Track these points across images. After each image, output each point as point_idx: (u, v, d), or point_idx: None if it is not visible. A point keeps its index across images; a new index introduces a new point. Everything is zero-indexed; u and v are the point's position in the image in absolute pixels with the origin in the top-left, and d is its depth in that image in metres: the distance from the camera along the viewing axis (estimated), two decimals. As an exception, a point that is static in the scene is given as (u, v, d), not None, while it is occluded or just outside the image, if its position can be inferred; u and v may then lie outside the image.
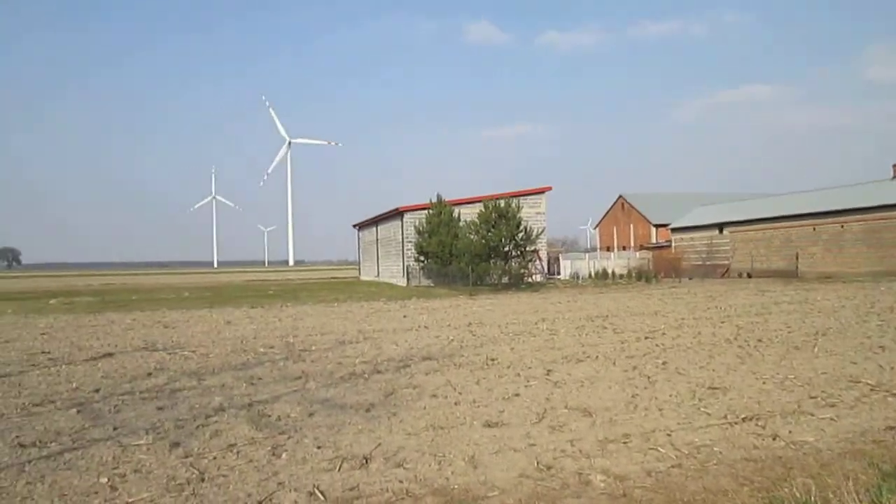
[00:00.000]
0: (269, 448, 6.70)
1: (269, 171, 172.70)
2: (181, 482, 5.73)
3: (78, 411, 8.52)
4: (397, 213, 42.54)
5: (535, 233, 36.61)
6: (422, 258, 39.66)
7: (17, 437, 7.37)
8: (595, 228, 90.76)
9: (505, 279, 36.08)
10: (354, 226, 57.19)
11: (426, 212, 40.02)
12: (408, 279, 40.84)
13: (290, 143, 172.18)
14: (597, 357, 11.93)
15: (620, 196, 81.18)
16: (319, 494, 5.35)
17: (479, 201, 41.29)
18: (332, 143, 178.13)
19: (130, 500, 5.33)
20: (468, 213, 40.16)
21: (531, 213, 41.88)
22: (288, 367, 11.64)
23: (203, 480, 5.76)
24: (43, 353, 14.24)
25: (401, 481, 5.63)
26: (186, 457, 6.46)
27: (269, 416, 8.05)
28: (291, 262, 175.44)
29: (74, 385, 10.34)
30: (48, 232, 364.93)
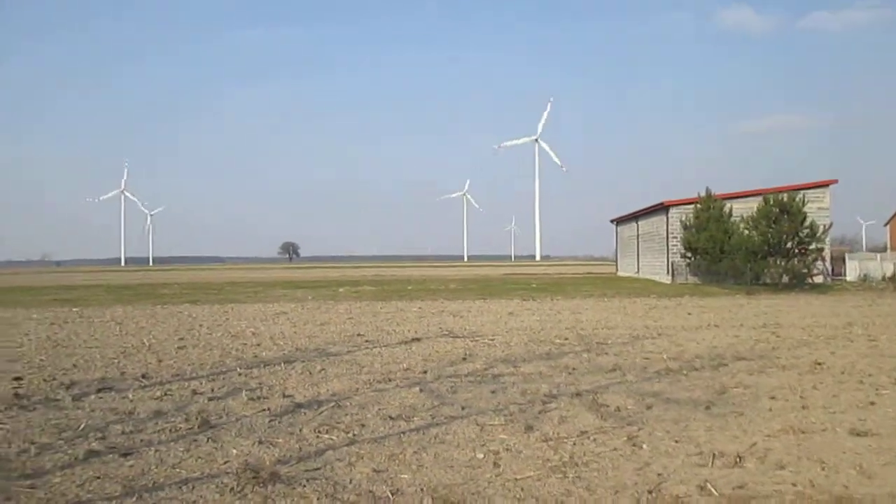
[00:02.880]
0: (625, 438, 6.65)
1: (504, 144, 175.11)
2: (556, 464, 5.86)
3: (420, 390, 9.14)
4: (662, 208, 41.13)
5: (820, 229, 33.47)
6: (688, 254, 38.00)
7: (379, 409, 8.06)
8: (885, 225, 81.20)
9: (785, 279, 33.38)
10: (612, 220, 56.36)
11: (693, 206, 38.26)
12: (672, 276, 39.33)
13: (536, 140, 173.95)
14: (951, 367, 10.52)
15: (917, 189, 71.84)
16: (712, 489, 5.17)
17: (750, 195, 38.70)
18: (563, 169, 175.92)
19: (519, 477, 5.54)
20: (739, 209, 37.76)
21: (812, 209, 38.27)
22: (595, 359, 11.62)
23: (577, 464, 5.85)
24: (358, 335, 15.58)
25: (793, 484, 5.29)
26: (546, 440, 6.63)
27: (607, 406, 8.03)
28: (538, 257, 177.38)
29: (404, 366, 11.16)
30: (320, 228, 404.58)
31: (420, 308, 23.39)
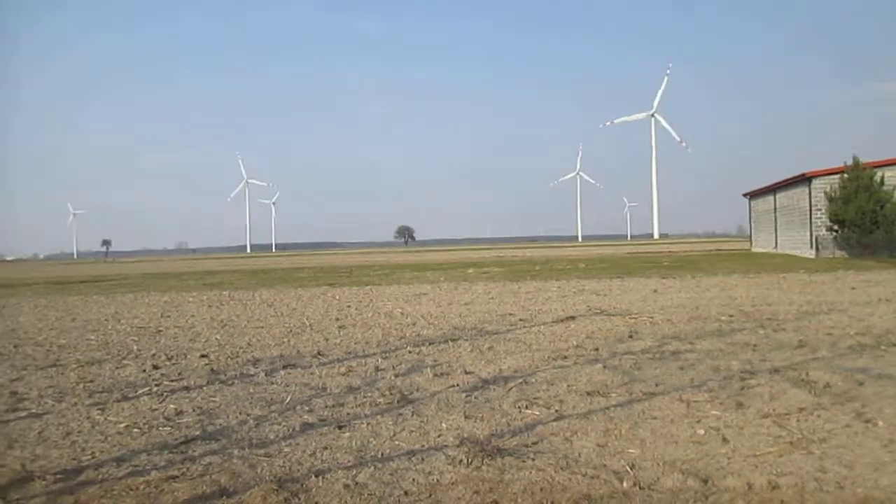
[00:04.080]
0: (852, 414, 6.28)
1: (615, 121, 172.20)
2: (791, 441, 5.59)
3: (603, 367, 8.98)
4: (803, 179, 38.86)
5: None
6: (835, 227, 35.84)
7: (569, 385, 7.97)
8: None
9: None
10: (745, 195, 53.83)
11: (839, 176, 36.02)
12: (817, 250, 37.19)
13: (653, 115, 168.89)
14: None
15: None
16: None
17: (902, 162, 36.13)
18: (683, 144, 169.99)
19: (757, 454, 5.32)
20: (892, 176, 35.33)
21: (975, 174, 35.38)
22: (773, 336, 11.07)
23: (814, 441, 5.56)
24: (509, 314, 15.53)
25: None
26: (765, 416, 6.34)
27: (814, 382, 7.60)
28: (656, 235, 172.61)
29: (573, 343, 11.02)
30: (433, 212, 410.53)
31: (559, 287, 23.10)
